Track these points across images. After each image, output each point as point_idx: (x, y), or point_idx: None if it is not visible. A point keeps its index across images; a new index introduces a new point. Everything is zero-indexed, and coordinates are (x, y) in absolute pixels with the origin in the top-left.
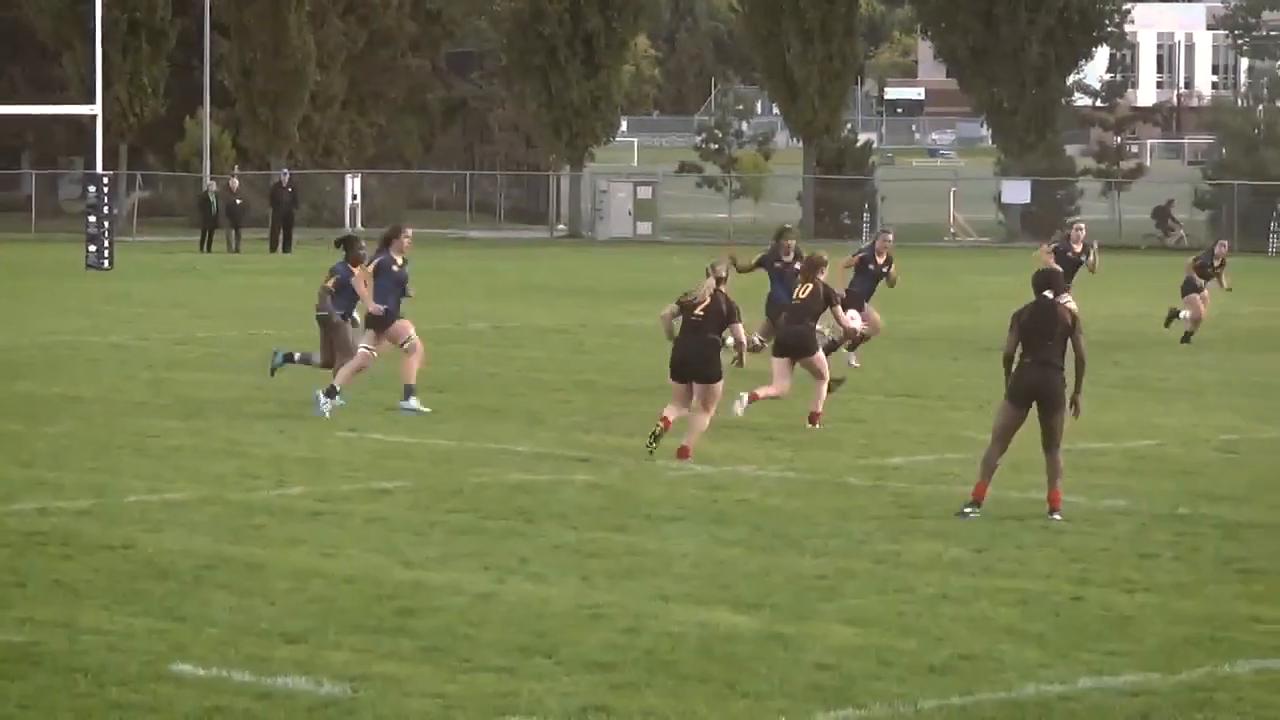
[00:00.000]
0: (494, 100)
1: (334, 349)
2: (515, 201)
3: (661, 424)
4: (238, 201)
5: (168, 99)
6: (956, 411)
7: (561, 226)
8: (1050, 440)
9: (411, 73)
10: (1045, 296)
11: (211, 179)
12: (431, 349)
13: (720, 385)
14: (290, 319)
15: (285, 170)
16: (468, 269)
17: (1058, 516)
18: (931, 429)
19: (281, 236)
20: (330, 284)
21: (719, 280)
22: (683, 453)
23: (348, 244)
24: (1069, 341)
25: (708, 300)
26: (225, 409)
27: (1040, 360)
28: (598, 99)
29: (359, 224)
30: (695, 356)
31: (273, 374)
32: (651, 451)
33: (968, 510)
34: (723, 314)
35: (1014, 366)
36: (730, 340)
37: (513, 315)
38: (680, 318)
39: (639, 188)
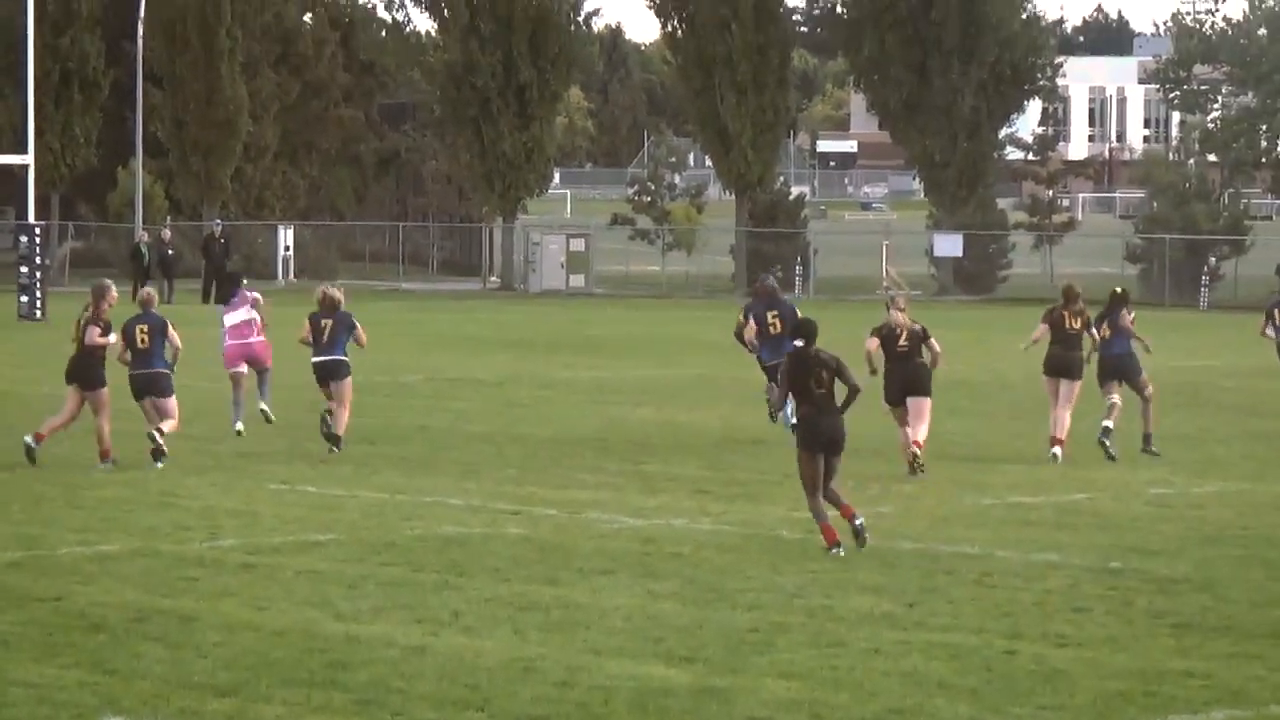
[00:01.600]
0: (427, 152)
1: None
2: (448, 253)
3: (915, 448)
4: (170, 252)
5: (100, 149)
6: (888, 464)
7: (494, 279)
8: (830, 478)
9: (344, 124)
10: (796, 345)
11: (144, 230)
12: (364, 401)
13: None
14: (221, 370)
15: (218, 221)
16: (400, 321)
17: (859, 521)
18: (863, 482)
19: (214, 287)
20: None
21: (900, 310)
22: (914, 449)
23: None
24: (841, 380)
25: (905, 328)
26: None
27: (819, 408)
28: (530, 151)
29: (291, 275)
30: (914, 380)
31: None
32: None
33: (835, 550)
34: (919, 336)
35: (801, 420)
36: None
37: (446, 367)
38: (882, 350)
39: (572, 240)
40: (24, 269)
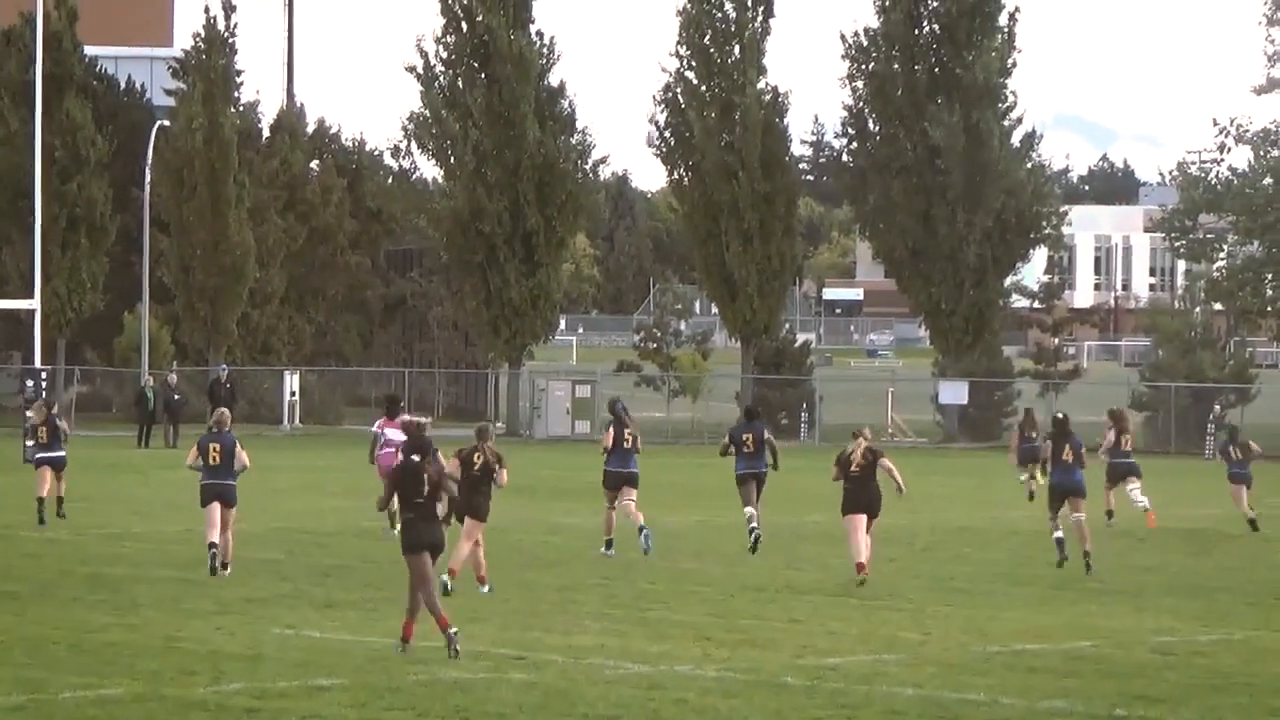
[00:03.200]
0: (433, 298)
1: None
2: (453, 399)
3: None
4: (176, 397)
5: (107, 294)
6: (894, 612)
7: (500, 424)
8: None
9: (351, 270)
10: (412, 460)
11: (149, 375)
12: (369, 546)
13: None
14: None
15: (224, 366)
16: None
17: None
18: (868, 629)
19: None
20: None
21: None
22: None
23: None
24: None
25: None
26: (162, 604)
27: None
28: (537, 297)
29: (297, 421)
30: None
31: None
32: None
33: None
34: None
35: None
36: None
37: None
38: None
39: (577, 386)
40: (30, 413)
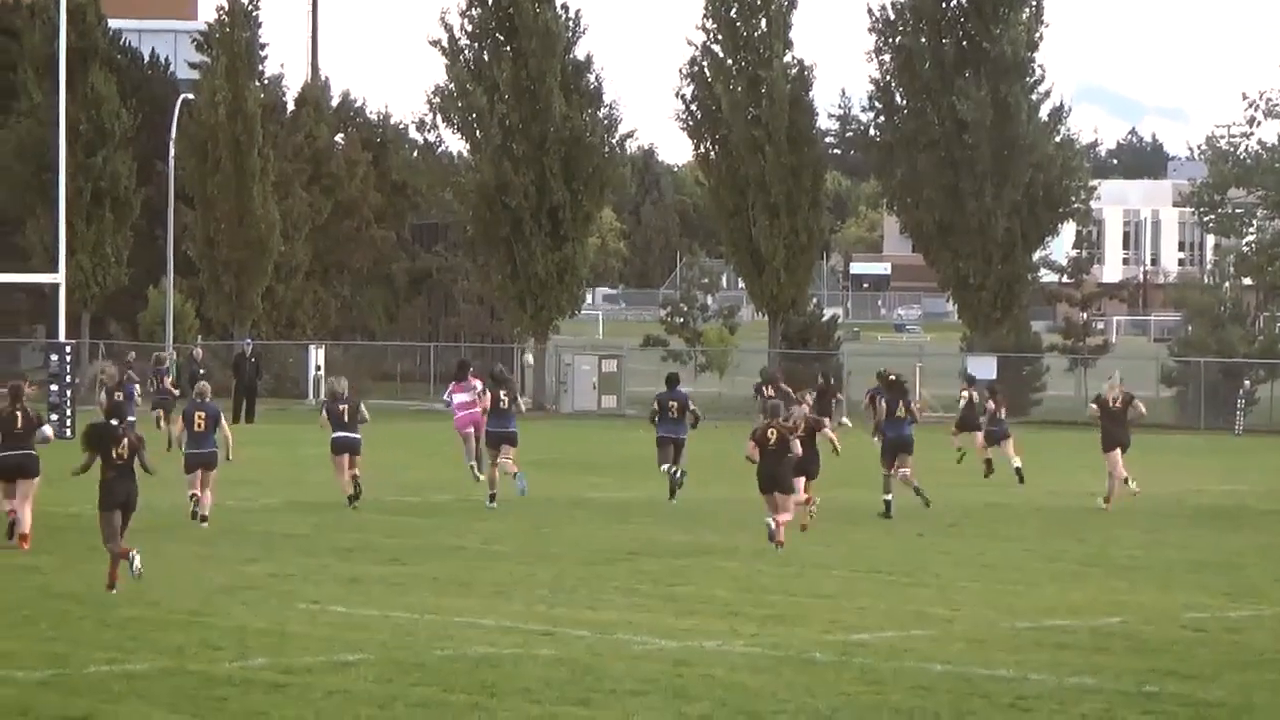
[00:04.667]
0: (459, 271)
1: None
2: (480, 373)
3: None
4: (201, 371)
5: (131, 268)
6: (921, 588)
7: (526, 399)
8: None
9: (376, 244)
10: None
11: (173, 348)
12: (395, 521)
13: None
14: (253, 489)
15: (249, 340)
16: (431, 441)
17: None
18: (896, 604)
19: (244, 406)
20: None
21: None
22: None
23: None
24: None
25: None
26: (185, 579)
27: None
28: (563, 271)
29: (322, 395)
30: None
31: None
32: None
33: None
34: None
35: None
36: None
37: (476, 488)
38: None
39: (604, 361)
40: (54, 387)
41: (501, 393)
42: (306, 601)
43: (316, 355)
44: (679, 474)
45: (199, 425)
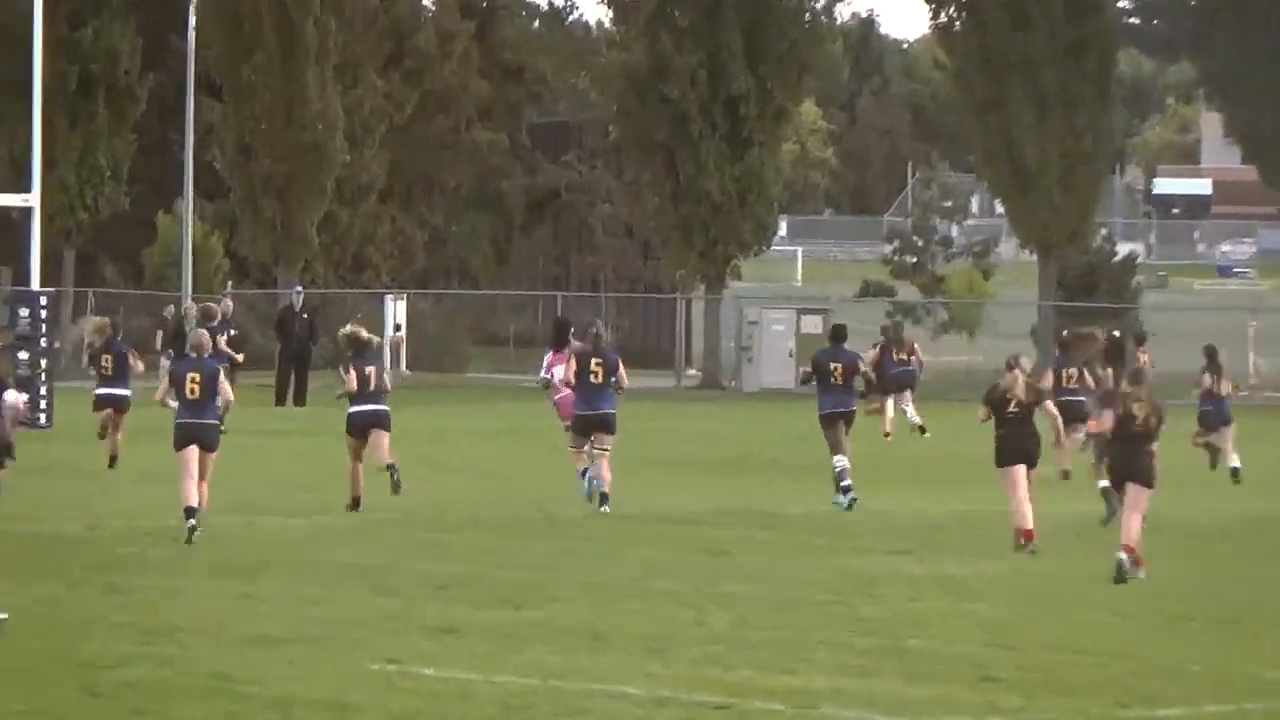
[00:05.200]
0: (597, 192)
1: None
2: (626, 335)
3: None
4: (232, 332)
5: (133, 186)
6: (1252, 640)
7: (693, 372)
8: None
9: (480, 152)
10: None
11: (192, 300)
12: (507, 545)
13: None
14: (307, 498)
15: (299, 288)
16: (557, 432)
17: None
18: (1216, 663)
19: (293, 382)
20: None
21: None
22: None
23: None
24: None
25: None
26: (208, 629)
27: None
28: (746, 191)
29: (403, 365)
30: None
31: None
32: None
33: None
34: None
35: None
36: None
37: (624, 499)
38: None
39: (804, 318)
40: (23, 355)
41: (593, 362)
42: (380, 660)
43: (395, 309)
44: (851, 495)
45: (192, 391)
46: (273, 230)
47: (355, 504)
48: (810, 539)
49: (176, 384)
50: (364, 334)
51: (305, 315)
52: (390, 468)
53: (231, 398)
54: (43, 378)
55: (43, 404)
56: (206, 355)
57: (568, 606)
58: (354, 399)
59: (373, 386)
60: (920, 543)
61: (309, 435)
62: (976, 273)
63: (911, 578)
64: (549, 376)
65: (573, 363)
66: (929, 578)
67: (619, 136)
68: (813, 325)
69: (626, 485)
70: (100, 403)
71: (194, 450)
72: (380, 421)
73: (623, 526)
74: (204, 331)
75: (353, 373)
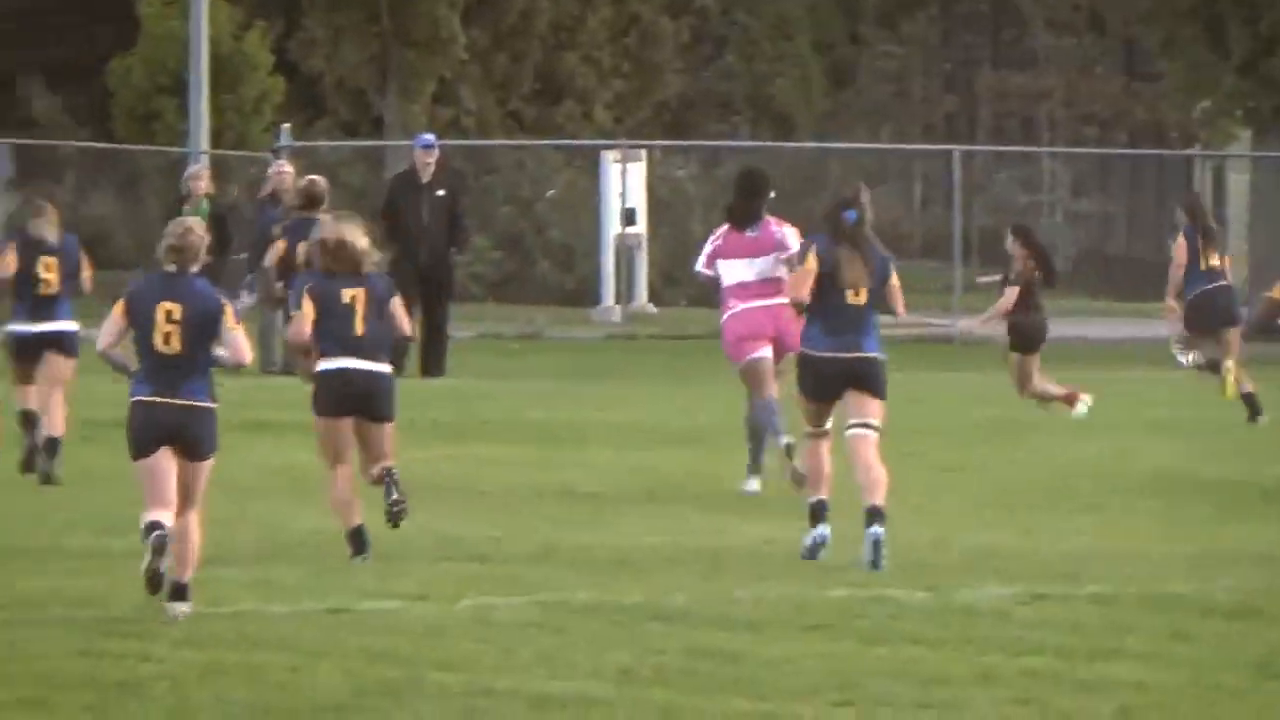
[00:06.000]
0: None
1: None
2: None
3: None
4: (280, 221)
5: None
6: None
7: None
8: None
9: None
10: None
11: (194, 171)
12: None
13: None
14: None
15: (428, 138)
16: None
17: None
18: None
19: (423, 327)
20: None
21: None
22: None
23: None
24: None
25: None
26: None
27: None
28: None
29: (641, 296)
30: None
31: None
32: None
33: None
34: None
35: None
36: None
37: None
38: None
39: None
40: None
41: (849, 265)
42: None
43: (623, 177)
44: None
45: (164, 341)
46: (360, 37)
47: (356, 541)
48: None
49: (137, 321)
50: (348, 237)
51: (444, 193)
52: (388, 474)
53: (246, 358)
54: None
55: None
56: (194, 267)
57: None
58: (322, 352)
59: (359, 330)
60: None
61: (458, 441)
62: None
63: None
64: (709, 272)
65: (811, 261)
66: None
67: None
68: None
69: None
70: (20, 350)
71: (163, 456)
72: (370, 402)
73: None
74: (196, 231)
75: (307, 303)
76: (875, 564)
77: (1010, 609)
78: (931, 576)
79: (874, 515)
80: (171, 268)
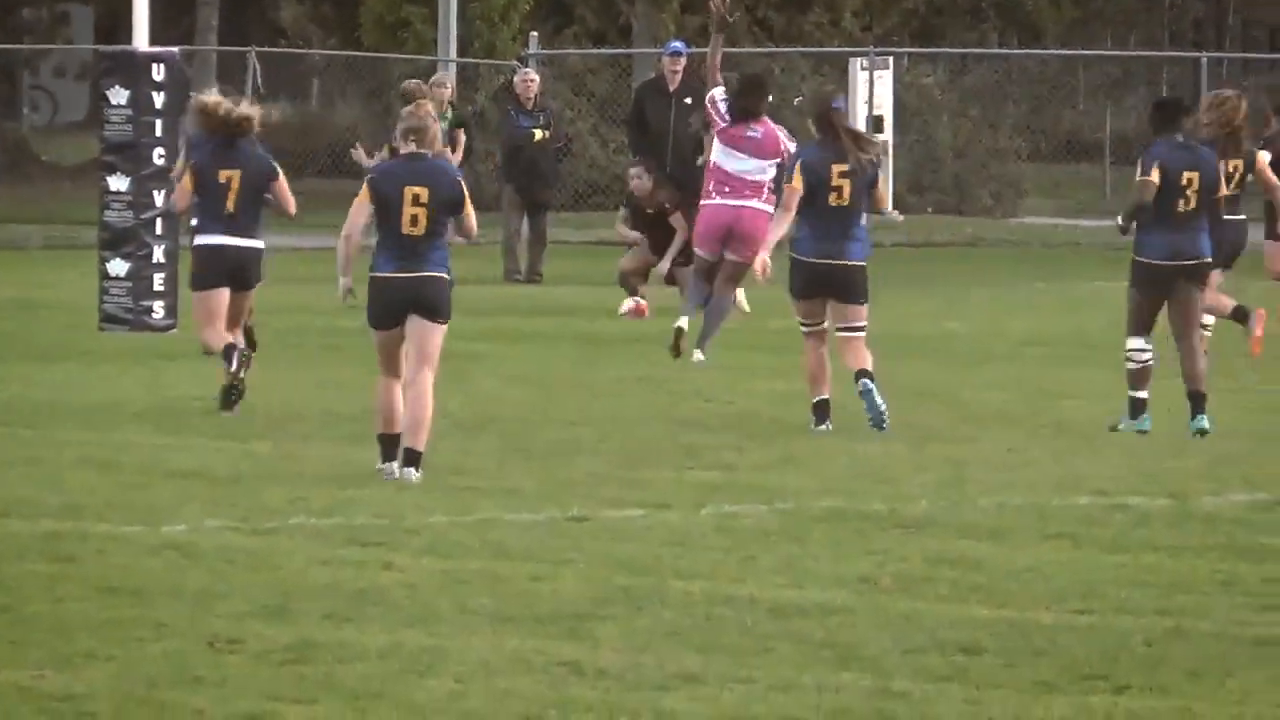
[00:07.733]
0: None
1: None
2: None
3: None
4: (523, 123)
5: None
6: None
7: None
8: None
9: None
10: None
11: (446, 75)
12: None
13: None
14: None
15: (677, 46)
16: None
17: None
18: None
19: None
20: None
21: None
22: None
23: None
24: None
25: None
26: None
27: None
28: None
29: (887, 201)
30: None
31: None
32: None
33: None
34: None
35: None
36: None
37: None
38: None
39: None
40: (118, 187)
41: (836, 169)
42: None
43: (872, 85)
44: None
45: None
46: None
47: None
48: None
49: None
50: (224, 106)
51: (689, 99)
52: (229, 349)
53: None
54: (157, 230)
55: (161, 288)
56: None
57: None
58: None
59: (231, 206)
60: None
61: (538, 341)
62: None
63: None
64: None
65: (797, 181)
66: None
67: None
68: None
69: None
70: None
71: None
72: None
73: None
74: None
75: (187, 177)
76: (873, 415)
77: (1252, 516)
78: (1174, 483)
79: (860, 374)
80: (412, 147)
